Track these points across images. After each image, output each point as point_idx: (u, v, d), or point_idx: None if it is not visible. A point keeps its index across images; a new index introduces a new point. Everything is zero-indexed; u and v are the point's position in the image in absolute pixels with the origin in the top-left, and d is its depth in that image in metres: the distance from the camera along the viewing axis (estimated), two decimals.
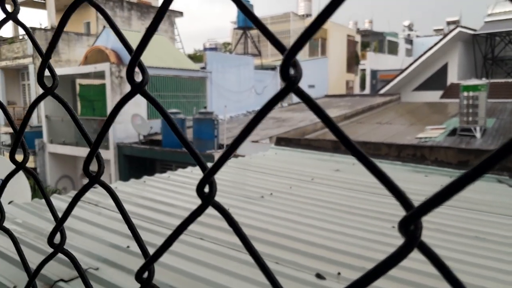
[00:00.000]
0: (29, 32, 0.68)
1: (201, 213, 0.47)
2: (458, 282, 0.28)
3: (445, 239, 2.68)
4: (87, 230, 2.86)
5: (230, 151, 0.43)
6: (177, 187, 4.18)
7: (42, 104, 13.72)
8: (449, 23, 38.36)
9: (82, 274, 0.70)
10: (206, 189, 0.47)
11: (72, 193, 4.13)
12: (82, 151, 12.36)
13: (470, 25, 18.60)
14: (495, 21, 18.74)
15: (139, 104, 12.65)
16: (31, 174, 0.63)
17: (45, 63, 0.68)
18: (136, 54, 0.49)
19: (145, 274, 0.56)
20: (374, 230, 2.88)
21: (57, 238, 0.73)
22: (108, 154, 11.95)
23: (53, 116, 13.56)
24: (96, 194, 4.00)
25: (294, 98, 19.74)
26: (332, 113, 14.00)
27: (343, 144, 0.37)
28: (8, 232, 0.85)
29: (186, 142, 0.50)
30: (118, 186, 4.41)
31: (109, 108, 11.88)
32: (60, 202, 3.65)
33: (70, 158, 13.42)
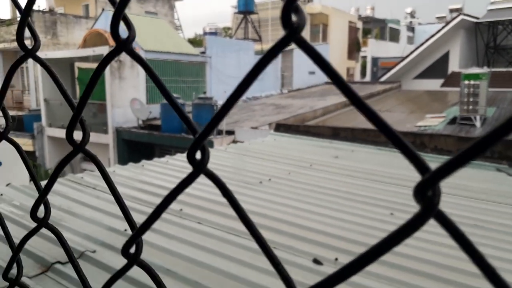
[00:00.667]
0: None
1: (192, 181, 0.44)
2: (478, 255, 0.26)
3: None
4: (85, 213, 2.88)
5: (225, 108, 0.40)
6: (175, 172, 4.17)
7: (40, 87, 13.65)
8: (452, 10, 38.00)
9: (69, 254, 0.69)
10: (198, 156, 0.43)
11: (70, 176, 4.13)
12: (81, 135, 12.29)
13: (473, 13, 18.42)
14: (498, 9, 18.56)
15: (138, 88, 12.58)
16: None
17: (24, 22, 0.62)
18: (120, 5, 0.45)
19: (132, 249, 0.53)
20: (373, 217, 2.88)
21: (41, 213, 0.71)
22: (107, 139, 11.91)
23: (52, 99, 13.50)
24: (94, 177, 4.01)
25: (294, 85, 19.66)
26: (332, 100, 13.94)
27: (349, 97, 0.34)
28: None
29: (175, 104, 0.47)
30: (116, 170, 4.41)
31: (108, 92, 11.81)
32: (57, 185, 3.65)
33: None
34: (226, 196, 0.43)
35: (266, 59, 0.37)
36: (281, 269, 0.42)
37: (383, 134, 0.33)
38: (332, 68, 0.36)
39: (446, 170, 0.28)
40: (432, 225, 0.36)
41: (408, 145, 0.30)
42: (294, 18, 0.34)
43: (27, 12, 0.60)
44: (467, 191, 3.65)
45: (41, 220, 0.70)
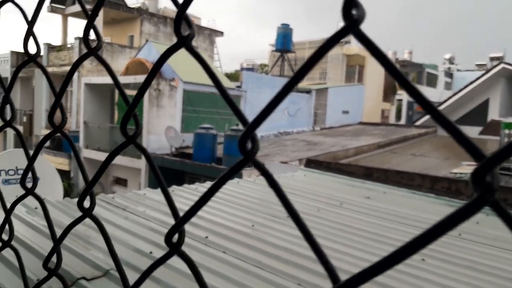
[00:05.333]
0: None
1: (241, 169, 0.45)
2: None
3: (478, 277, 2.57)
4: (113, 232, 2.89)
5: (278, 98, 0.42)
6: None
7: (82, 109, 14.22)
8: (492, 58, 37.35)
9: (114, 255, 0.72)
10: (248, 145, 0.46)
11: (102, 196, 4.22)
12: (116, 159, 12.62)
13: None
14: None
15: (174, 117, 12.89)
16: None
17: (90, 24, 0.68)
18: (183, 6, 0.50)
19: (175, 238, 0.54)
20: (404, 261, 2.75)
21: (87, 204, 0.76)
22: (140, 164, 12.16)
23: (91, 122, 14.01)
24: (124, 199, 4.07)
25: (327, 123, 19.63)
26: (366, 140, 13.78)
27: (412, 95, 0.35)
28: (39, 199, 0.86)
29: (226, 95, 0.49)
30: (147, 193, 4.45)
31: (145, 120, 12.17)
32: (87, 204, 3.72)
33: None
34: (274, 187, 0.44)
35: (323, 49, 0.37)
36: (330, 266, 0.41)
37: (436, 120, 0.33)
38: (391, 62, 0.35)
39: (503, 154, 0.28)
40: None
41: (462, 132, 0.31)
42: (354, 11, 0.34)
43: (95, 14, 0.65)
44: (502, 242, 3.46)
45: (87, 210, 0.72)
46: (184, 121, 13.26)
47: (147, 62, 14.12)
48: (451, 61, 39.93)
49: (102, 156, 13.23)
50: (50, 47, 19.39)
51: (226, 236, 2.97)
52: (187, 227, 3.17)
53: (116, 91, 14.47)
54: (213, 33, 22.84)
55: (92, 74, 15.78)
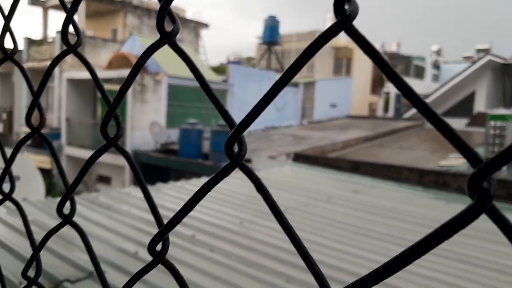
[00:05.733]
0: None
1: (228, 174, 0.45)
2: None
3: (467, 270, 2.61)
4: (97, 232, 2.88)
5: (270, 95, 0.43)
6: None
7: (63, 106, 13.90)
8: (479, 51, 37.64)
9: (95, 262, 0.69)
10: (236, 149, 0.44)
11: (85, 195, 4.09)
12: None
13: (501, 54, 18.20)
14: None
15: (159, 111, 12.66)
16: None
17: (69, 19, 0.66)
18: (166, 1, 0.49)
19: (159, 246, 0.54)
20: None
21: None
22: (124, 161, 11.92)
23: (73, 118, 13.70)
24: (109, 197, 3.98)
25: (314, 117, 19.57)
26: (353, 134, 13.75)
27: (404, 94, 0.35)
28: (17, 204, 0.86)
29: (212, 95, 0.49)
30: (132, 191, 4.39)
31: (129, 115, 11.92)
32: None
33: (85, 161, 13.47)
34: (260, 191, 0.44)
35: (315, 46, 0.37)
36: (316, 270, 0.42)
37: (431, 123, 0.33)
38: (384, 59, 0.36)
39: (502, 159, 0.28)
40: None
41: (460, 136, 0.31)
42: (346, 6, 0.34)
43: (74, 8, 0.64)
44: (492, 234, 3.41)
45: (67, 216, 0.71)
46: (169, 116, 13.04)
47: (130, 56, 13.84)
48: (438, 53, 40.20)
49: (85, 154, 12.98)
50: (30, 42, 18.90)
51: (213, 233, 2.97)
52: None
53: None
54: (198, 26, 22.51)
55: (74, 69, 15.39)
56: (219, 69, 22.83)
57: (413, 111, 18.87)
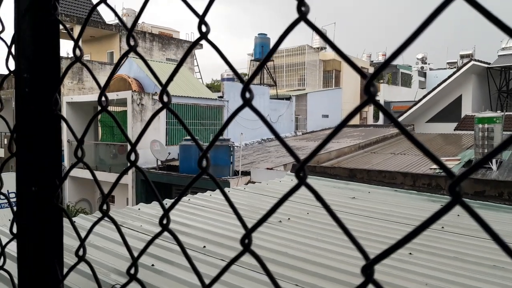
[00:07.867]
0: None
1: (295, 191, 0.55)
2: (496, 236, 0.39)
3: (464, 267, 2.69)
4: (114, 248, 2.97)
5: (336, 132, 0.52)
6: (197, 210, 4.29)
7: (64, 129, 14.13)
8: (462, 56, 38.42)
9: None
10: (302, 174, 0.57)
11: (97, 213, 4.28)
12: (101, 176, 12.65)
13: (483, 58, 18.73)
14: (509, 55, 18.88)
15: (158, 130, 12.98)
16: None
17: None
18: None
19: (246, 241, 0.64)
20: (392, 256, 2.90)
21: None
22: (127, 179, 12.19)
23: (75, 141, 13.92)
24: (119, 214, 4.13)
25: (308, 127, 19.97)
26: (346, 143, 14.09)
27: (391, 120, 0.48)
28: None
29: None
30: (141, 208, 4.52)
31: (130, 134, 12.20)
32: (85, 221, 3.82)
33: (89, 181, 13.69)
34: (324, 205, 0.54)
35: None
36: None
37: (416, 146, 0.44)
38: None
39: (467, 173, 0.41)
40: None
41: (437, 157, 0.43)
42: (372, 89, 0.46)
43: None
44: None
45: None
46: (168, 134, 13.37)
47: (128, 78, 14.19)
48: (423, 60, 40.92)
49: (87, 174, 13.18)
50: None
51: (223, 244, 3.06)
52: (185, 238, 3.30)
53: (99, 109, 14.44)
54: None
55: (73, 93, 15.70)
56: (214, 87, 23.18)
57: (403, 117, 19.29)
